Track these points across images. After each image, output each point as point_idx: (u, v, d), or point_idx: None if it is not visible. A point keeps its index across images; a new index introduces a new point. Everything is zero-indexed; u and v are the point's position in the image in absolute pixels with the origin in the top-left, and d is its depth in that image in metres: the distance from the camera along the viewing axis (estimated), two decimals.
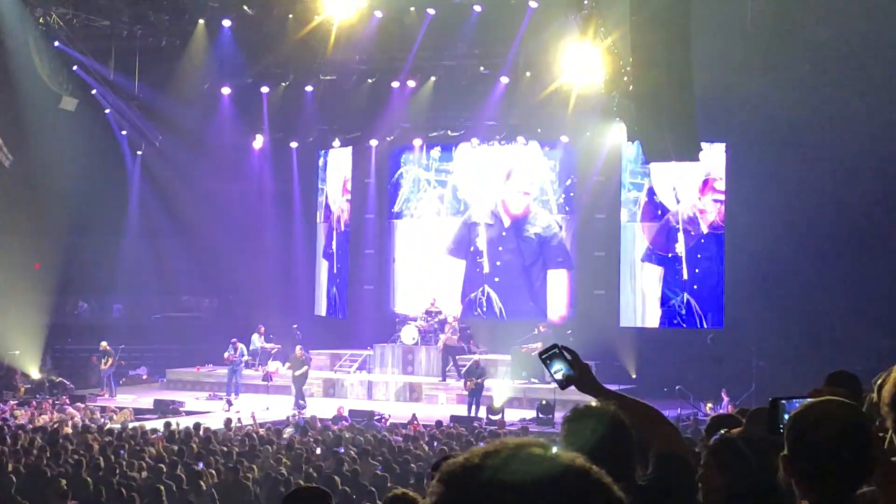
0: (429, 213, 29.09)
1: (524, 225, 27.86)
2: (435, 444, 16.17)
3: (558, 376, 3.69)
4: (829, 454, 2.53)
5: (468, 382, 22.42)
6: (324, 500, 4.61)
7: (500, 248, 27.96)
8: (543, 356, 3.73)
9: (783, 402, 3.01)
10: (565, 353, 3.69)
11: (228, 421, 18.62)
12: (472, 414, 21.58)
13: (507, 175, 27.99)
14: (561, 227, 27.50)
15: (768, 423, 3.03)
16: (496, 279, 27.92)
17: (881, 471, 2.63)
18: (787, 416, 2.83)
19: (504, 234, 27.98)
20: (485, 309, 27.74)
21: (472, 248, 28.21)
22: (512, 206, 27.99)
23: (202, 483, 11.91)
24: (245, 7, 24.44)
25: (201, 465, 13.07)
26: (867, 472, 2.58)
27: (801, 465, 2.57)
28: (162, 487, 11.33)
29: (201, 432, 16.61)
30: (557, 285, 27.52)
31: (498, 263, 27.91)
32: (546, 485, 1.52)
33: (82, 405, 22.26)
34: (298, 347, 24.67)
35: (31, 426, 18.23)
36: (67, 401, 23.11)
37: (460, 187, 28.63)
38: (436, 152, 28.87)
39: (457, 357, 25.03)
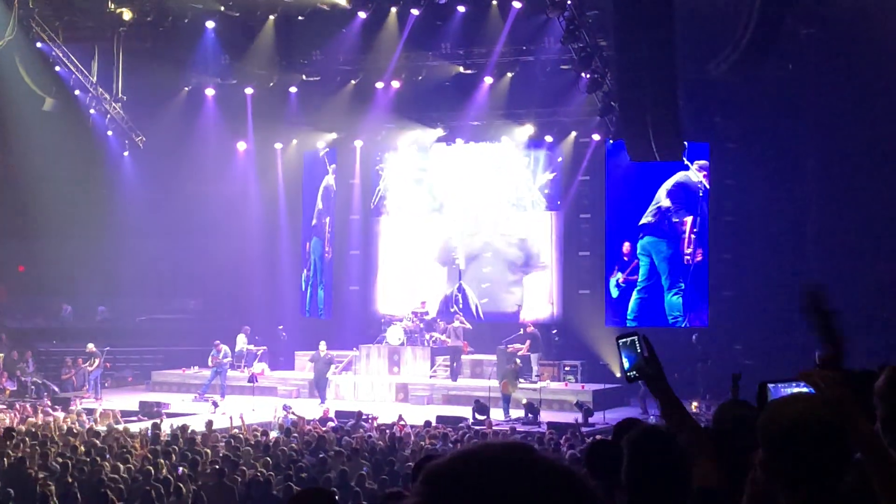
0: (409, 213, 29.14)
1: (503, 225, 27.97)
2: (422, 444, 16.18)
3: (627, 366, 3.54)
4: (807, 460, 2.51)
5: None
6: (329, 502, 4.59)
7: (480, 248, 28.05)
8: (621, 340, 3.57)
9: (770, 386, 3.11)
10: (644, 347, 3.54)
11: (210, 423, 18.53)
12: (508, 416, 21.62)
13: (485, 176, 28.10)
14: (542, 228, 27.58)
15: (757, 406, 3.11)
16: (481, 283, 27.98)
17: (870, 450, 2.57)
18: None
19: (484, 233, 28.07)
20: (461, 306, 27.66)
21: (452, 250, 28.30)
22: (490, 206, 28.09)
23: (184, 486, 11.87)
24: (227, 9, 24.37)
25: (180, 469, 13.03)
26: (847, 464, 2.55)
27: (779, 468, 2.56)
28: (150, 490, 11.32)
29: (187, 434, 16.56)
30: (539, 286, 27.58)
31: (484, 268, 28.00)
32: (530, 488, 1.51)
33: (67, 408, 22.13)
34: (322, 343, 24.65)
35: (20, 428, 18.09)
36: (53, 403, 22.96)
37: (439, 186, 28.73)
38: (417, 151, 28.91)
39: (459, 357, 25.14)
